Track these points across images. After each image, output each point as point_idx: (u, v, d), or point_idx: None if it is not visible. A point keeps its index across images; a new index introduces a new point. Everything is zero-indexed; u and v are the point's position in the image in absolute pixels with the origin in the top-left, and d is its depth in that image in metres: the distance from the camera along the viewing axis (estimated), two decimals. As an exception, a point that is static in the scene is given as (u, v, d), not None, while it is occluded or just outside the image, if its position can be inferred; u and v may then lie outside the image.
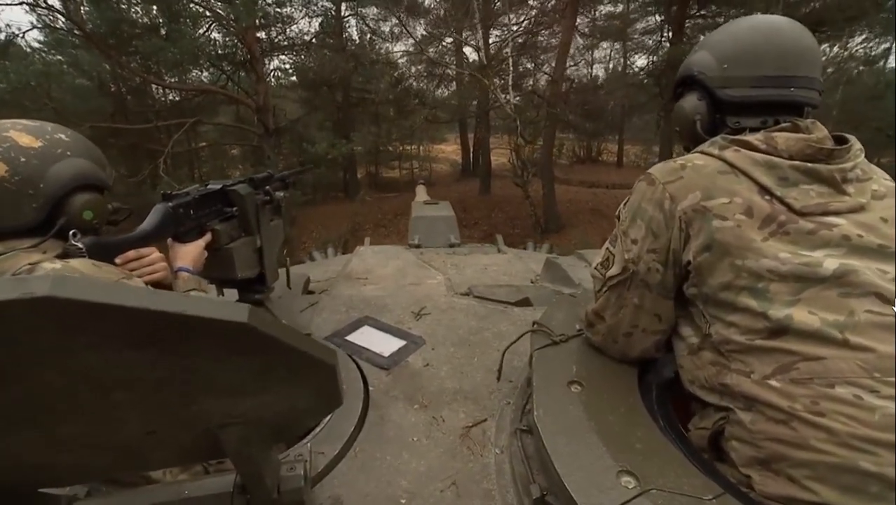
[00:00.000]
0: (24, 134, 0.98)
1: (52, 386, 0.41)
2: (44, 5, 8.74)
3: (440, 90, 16.24)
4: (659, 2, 11.00)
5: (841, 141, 0.90)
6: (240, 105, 12.32)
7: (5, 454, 0.51)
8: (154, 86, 12.26)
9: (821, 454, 0.70)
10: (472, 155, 19.49)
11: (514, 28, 11.06)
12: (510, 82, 10.39)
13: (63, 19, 8.83)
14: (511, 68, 10.75)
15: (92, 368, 0.40)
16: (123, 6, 9.57)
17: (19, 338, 0.35)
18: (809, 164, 0.84)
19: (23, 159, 0.95)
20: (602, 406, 0.92)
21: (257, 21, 11.15)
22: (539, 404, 0.93)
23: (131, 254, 1.14)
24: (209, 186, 1.43)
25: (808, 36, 0.94)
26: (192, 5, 9.87)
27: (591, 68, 17.97)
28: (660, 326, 1.00)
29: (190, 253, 1.28)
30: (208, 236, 1.36)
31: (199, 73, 12.72)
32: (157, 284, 1.15)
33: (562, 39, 11.13)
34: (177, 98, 13.15)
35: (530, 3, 12.55)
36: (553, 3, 11.74)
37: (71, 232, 1.00)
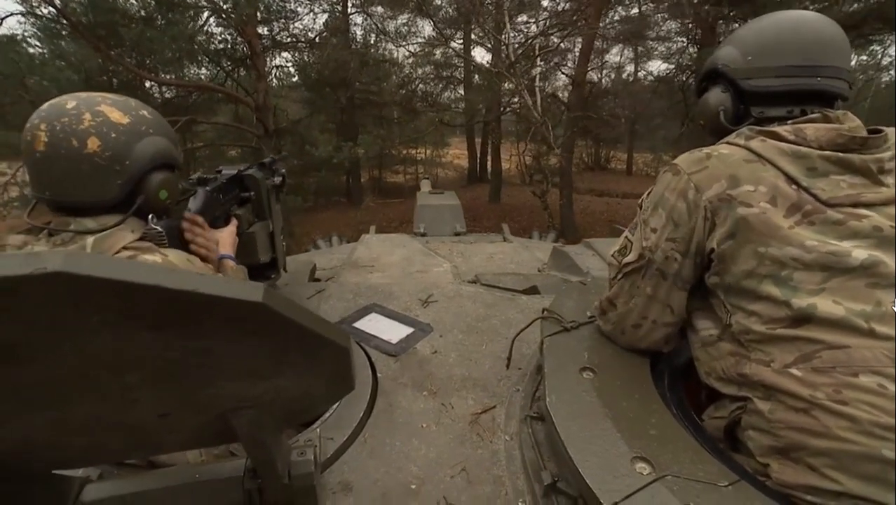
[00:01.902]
0: (114, 109, 0.98)
1: (66, 366, 0.40)
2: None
3: (448, 93, 15.58)
4: (683, 3, 10.23)
5: (876, 132, 0.88)
6: (239, 104, 11.69)
7: (20, 435, 0.50)
8: (148, 82, 11.40)
9: (842, 442, 0.69)
10: (478, 160, 18.71)
11: (543, 22, 10.12)
12: (537, 83, 9.49)
13: (50, 7, 7.99)
14: (539, 67, 9.90)
15: (106, 348, 0.39)
16: None
17: (33, 316, 0.34)
18: (841, 154, 0.82)
19: (113, 135, 0.96)
20: (615, 393, 0.92)
21: (258, 14, 10.66)
22: (552, 391, 0.92)
23: (199, 219, 1.18)
24: (224, 172, 1.44)
25: (835, 27, 0.92)
26: None
27: (602, 73, 16.76)
28: (670, 319, 0.99)
29: (226, 240, 1.29)
30: (235, 222, 1.38)
31: (197, 69, 12.08)
32: (204, 259, 1.18)
33: (585, 40, 10.48)
34: (169, 95, 12.35)
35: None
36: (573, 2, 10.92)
37: (150, 216, 1.03)
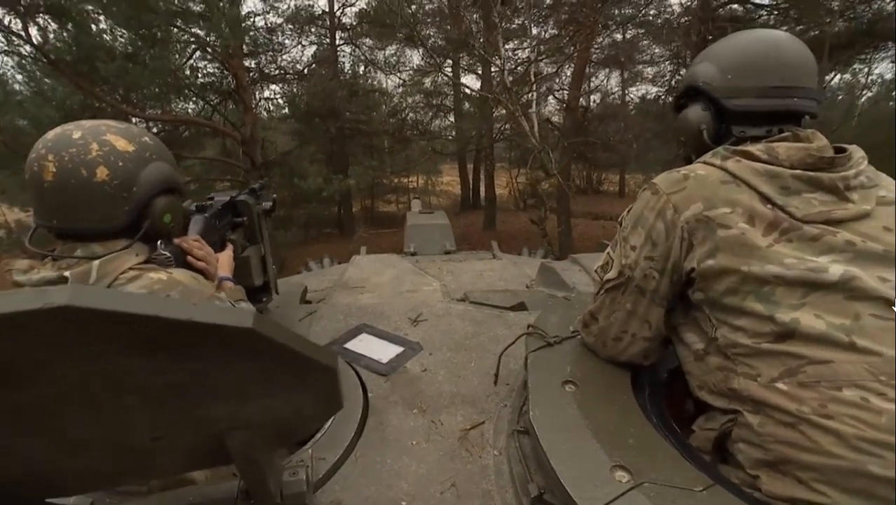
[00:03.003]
0: (119, 137, 1.01)
1: (66, 390, 0.43)
2: (2, 29, 7.38)
3: (438, 120, 15.32)
4: (672, 30, 10.14)
5: (841, 151, 0.92)
6: (226, 138, 11.23)
7: (17, 458, 0.52)
8: (133, 118, 10.50)
9: (829, 457, 0.70)
10: (471, 187, 18.24)
11: (535, 48, 9.42)
12: (532, 109, 9.04)
13: (27, 45, 7.50)
14: (533, 92, 9.37)
15: (106, 373, 0.42)
16: (103, 31, 8.25)
17: (38, 344, 0.37)
18: (811, 173, 0.86)
19: (120, 163, 0.99)
20: (596, 405, 0.95)
21: (245, 47, 10.42)
22: (535, 404, 0.95)
23: (199, 239, 1.23)
24: (217, 199, 1.48)
25: (806, 49, 0.97)
26: (173, 29, 8.74)
27: (590, 98, 16.41)
28: (649, 333, 1.02)
29: (225, 263, 1.34)
30: (231, 246, 1.41)
31: (184, 103, 11.56)
32: (206, 275, 1.22)
33: (577, 65, 10.22)
34: (155, 130, 11.57)
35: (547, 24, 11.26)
36: (567, 26, 10.41)
37: (158, 242, 1.07)
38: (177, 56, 9.69)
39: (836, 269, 0.79)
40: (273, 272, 1.75)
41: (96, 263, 0.95)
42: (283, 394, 0.55)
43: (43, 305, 0.34)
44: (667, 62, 12.51)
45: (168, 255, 1.06)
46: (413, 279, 2.26)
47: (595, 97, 16.42)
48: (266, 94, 13.35)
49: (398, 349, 1.52)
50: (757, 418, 0.79)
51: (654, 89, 13.41)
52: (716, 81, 1.00)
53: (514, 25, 10.93)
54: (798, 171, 0.86)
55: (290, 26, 12.18)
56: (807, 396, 0.75)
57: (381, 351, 1.50)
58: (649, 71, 13.86)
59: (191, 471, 1.02)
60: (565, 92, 11.33)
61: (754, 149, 0.90)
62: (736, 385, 0.83)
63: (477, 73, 13.31)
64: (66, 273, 0.93)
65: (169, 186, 1.09)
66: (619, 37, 11.81)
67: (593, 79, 16.28)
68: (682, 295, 0.97)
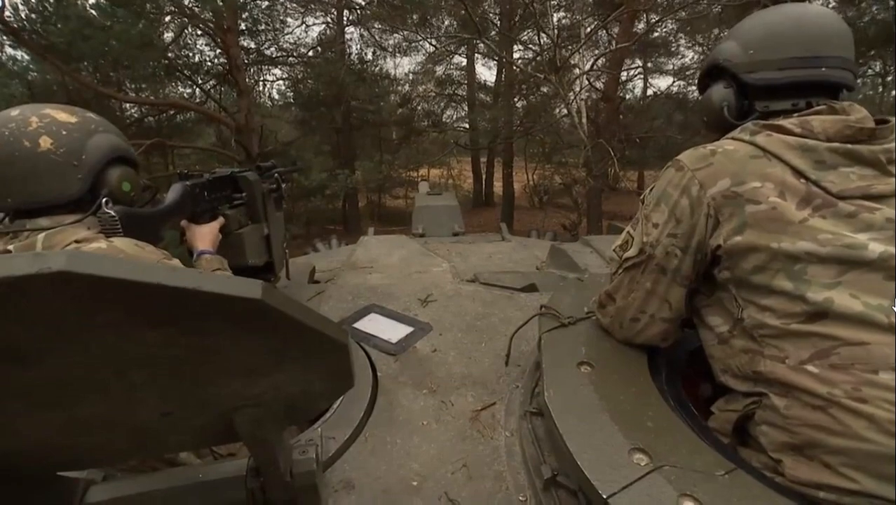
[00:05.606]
0: (60, 111, 1.01)
1: (71, 366, 0.41)
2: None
3: (451, 111, 14.65)
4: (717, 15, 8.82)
5: (883, 123, 0.87)
6: (221, 125, 10.48)
7: (26, 435, 0.51)
8: (118, 101, 9.68)
9: (861, 442, 0.68)
10: (483, 183, 17.00)
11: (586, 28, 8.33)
12: (581, 97, 7.78)
13: None
14: (583, 78, 8.04)
15: (110, 347, 0.40)
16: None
17: (37, 315, 0.35)
18: (849, 146, 0.81)
19: (64, 132, 0.98)
20: (612, 386, 0.93)
21: (242, 24, 9.60)
22: (549, 385, 0.93)
23: None
24: (218, 172, 1.45)
25: (838, 19, 0.93)
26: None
27: (623, 90, 15.10)
28: (668, 314, 0.99)
29: (207, 235, 1.31)
30: (221, 219, 1.39)
31: (174, 87, 10.71)
32: None
33: (616, 51, 9.15)
34: (137, 115, 10.77)
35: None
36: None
37: (104, 200, 1.02)
38: (161, 29, 8.83)
39: (875, 246, 0.75)
40: (283, 255, 1.73)
41: (41, 235, 0.93)
42: (292, 370, 0.53)
43: (39, 269, 0.32)
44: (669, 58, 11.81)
45: (113, 213, 1.00)
46: (422, 260, 2.24)
47: (634, 87, 15.21)
48: (268, 77, 12.72)
49: (408, 329, 1.50)
50: (784, 401, 0.77)
51: (681, 82, 12.61)
52: (737, 58, 0.97)
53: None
54: (835, 144, 0.82)
55: (292, 4, 11.47)
56: (839, 379, 0.72)
57: (390, 331, 1.49)
58: (673, 63, 13.06)
59: (203, 448, 1.02)
60: (599, 82, 10.04)
61: (787, 122, 0.86)
62: (762, 368, 0.81)
63: (494, 60, 12.48)
64: (10, 247, 0.92)
65: (121, 156, 1.08)
66: (654, 19, 10.25)
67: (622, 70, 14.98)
68: (707, 276, 0.94)
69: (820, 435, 0.72)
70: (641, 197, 1.03)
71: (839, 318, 0.75)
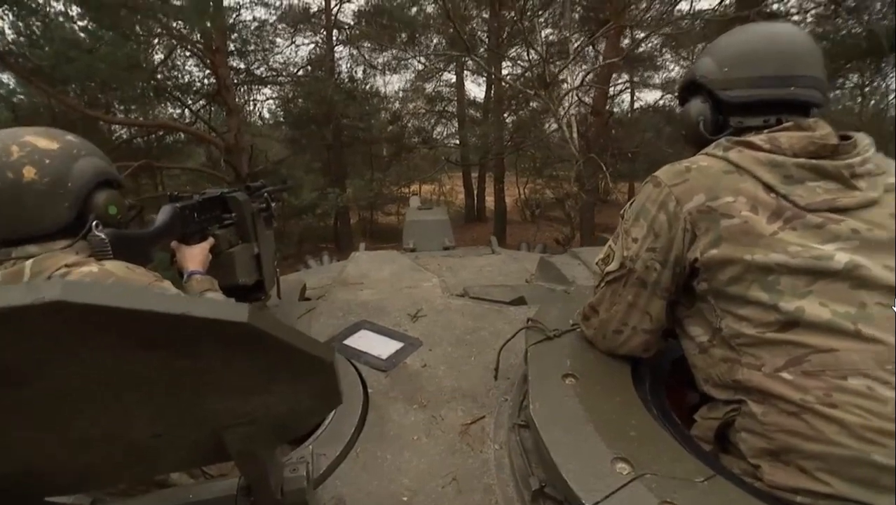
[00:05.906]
0: (39, 138, 1.00)
1: (65, 387, 0.43)
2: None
3: (441, 127, 14.57)
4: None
5: (846, 139, 0.91)
6: (210, 145, 10.32)
7: (18, 457, 0.52)
8: (106, 123, 9.46)
9: (833, 446, 0.70)
10: (475, 197, 16.74)
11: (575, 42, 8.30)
12: (569, 112, 7.67)
13: None
14: (574, 93, 8.02)
15: (104, 370, 0.42)
16: (56, 20, 6.95)
17: (33, 341, 0.37)
18: (814, 161, 0.85)
19: (47, 161, 0.97)
20: (596, 397, 0.95)
21: (230, 45, 9.55)
22: (535, 398, 0.95)
23: None
24: (207, 193, 1.46)
25: (808, 38, 0.97)
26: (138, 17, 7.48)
27: (613, 102, 14.51)
28: (650, 326, 1.01)
29: (197, 256, 1.32)
30: (211, 240, 1.40)
31: (163, 108, 10.60)
32: None
33: (604, 67, 9.10)
34: (126, 136, 10.62)
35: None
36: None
37: (94, 223, 1.02)
38: (150, 51, 8.87)
39: (841, 256, 0.79)
40: (274, 274, 1.73)
41: (29, 262, 0.92)
42: (281, 389, 0.55)
43: (34, 300, 0.33)
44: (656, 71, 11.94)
45: (103, 237, 1.01)
46: (412, 275, 2.26)
47: (622, 101, 15.35)
48: (258, 97, 12.58)
49: (398, 345, 1.51)
50: (761, 408, 0.79)
51: (669, 95, 12.66)
52: (713, 74, 1.01)
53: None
54: (801, 160, 0.86)
55: (282, 25, 11.61)
56: (811, 386, 0.74)
57: (380, 347, 1.50)
58: (658, 78, 13.18)
59: (194, 467, 1.02)
60: (588, 97, 10.20)
61: (756, 139, 0.90)
62: (740, 376, 0.83)
63: (483, 74, 12.51)
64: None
65: (106, 179, 1.07)
66: (640, 35, 10.45)
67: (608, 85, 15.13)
68: (687, 287, 0.97)
69: (795, 440, 0.74)
70: (622, 212, 1.06)
71: (810, 326, 0.77)
